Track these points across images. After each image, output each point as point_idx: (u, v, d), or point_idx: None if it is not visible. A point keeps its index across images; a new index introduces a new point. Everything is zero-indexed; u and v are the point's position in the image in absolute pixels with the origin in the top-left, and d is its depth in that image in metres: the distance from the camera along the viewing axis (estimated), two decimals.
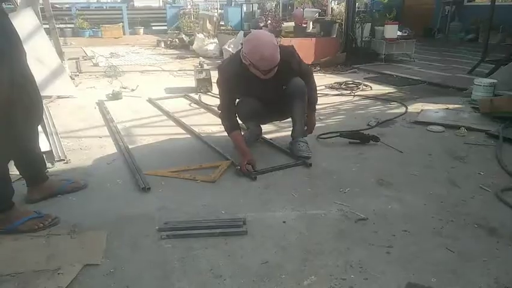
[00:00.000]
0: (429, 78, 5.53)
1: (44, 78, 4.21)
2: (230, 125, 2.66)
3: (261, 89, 2.58)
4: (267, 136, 3.09)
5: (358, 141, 2.99)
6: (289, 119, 2.84)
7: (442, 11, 11.82)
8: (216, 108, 3.88)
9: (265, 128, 3.12)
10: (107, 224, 1.91)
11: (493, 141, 3.03)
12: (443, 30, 11.70)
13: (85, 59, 7.54)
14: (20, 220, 1.83)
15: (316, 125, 3.38)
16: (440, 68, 6.42)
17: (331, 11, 8.19)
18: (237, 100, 2.75)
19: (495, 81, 3.98)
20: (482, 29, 9.79)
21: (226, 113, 2.67)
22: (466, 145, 2.97)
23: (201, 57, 6.17)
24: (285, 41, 6.47)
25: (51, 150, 2.77)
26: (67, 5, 13.72)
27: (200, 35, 8.55)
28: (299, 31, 7.03)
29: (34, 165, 2.12)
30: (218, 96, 2.75)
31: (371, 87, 5.03)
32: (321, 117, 3.69)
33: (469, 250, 1.72)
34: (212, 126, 3.47)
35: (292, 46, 2.71)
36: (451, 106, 4.03)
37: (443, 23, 11.79)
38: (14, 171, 2.09)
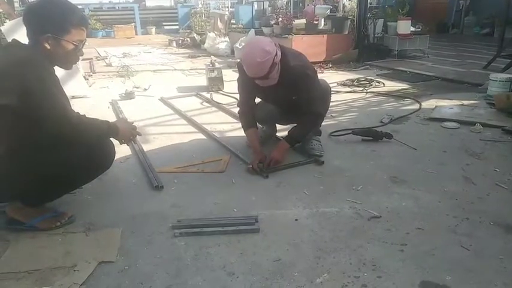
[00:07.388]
0: (443, 74, 5.44)
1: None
2: (246, 122, 2.66)
3: (271, 93, 2.54)
4: (280, 134, 3.08)
5: (371, 138, 2.97)
6: None
7: (456, 6, 11.63)
8: (227, 107, 3.91)
9: (278, 126, 3.11)
10: (121, 221, 1.94)
11: (509, 137, 2.98)
12: (458, 25, 11.52)
13: (98, 59, 7.64)
14: (39, 217, 1.87)
15: (329, 123, 3.37)
16: (455, 63, 6.32)
17: (343, 7, 8.10)
18: (257, 100, 2.73)
19: (511, 76, 3.91)
20: (497, 23, 9.61)
21: (243, 109, 2.67)
22: (481, 141, 2.92)
23: (212, 56, 6.18)
24: (297, 38, 6.45)
25: None
26: (80, 6, 13.83)
27: (211, 34, 8.57)
28: (311, 28, 6.98)
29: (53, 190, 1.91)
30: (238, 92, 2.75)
31: (384, 83, 4.98)
32: (333, 115, 3.67)
33: (484, 248, 1.70)
34: (224, 124, 3.48)
35: (310, 68, 2.49)
36: (466, 102, 3.96)
37: (457, 17, 11.61)
38: None
